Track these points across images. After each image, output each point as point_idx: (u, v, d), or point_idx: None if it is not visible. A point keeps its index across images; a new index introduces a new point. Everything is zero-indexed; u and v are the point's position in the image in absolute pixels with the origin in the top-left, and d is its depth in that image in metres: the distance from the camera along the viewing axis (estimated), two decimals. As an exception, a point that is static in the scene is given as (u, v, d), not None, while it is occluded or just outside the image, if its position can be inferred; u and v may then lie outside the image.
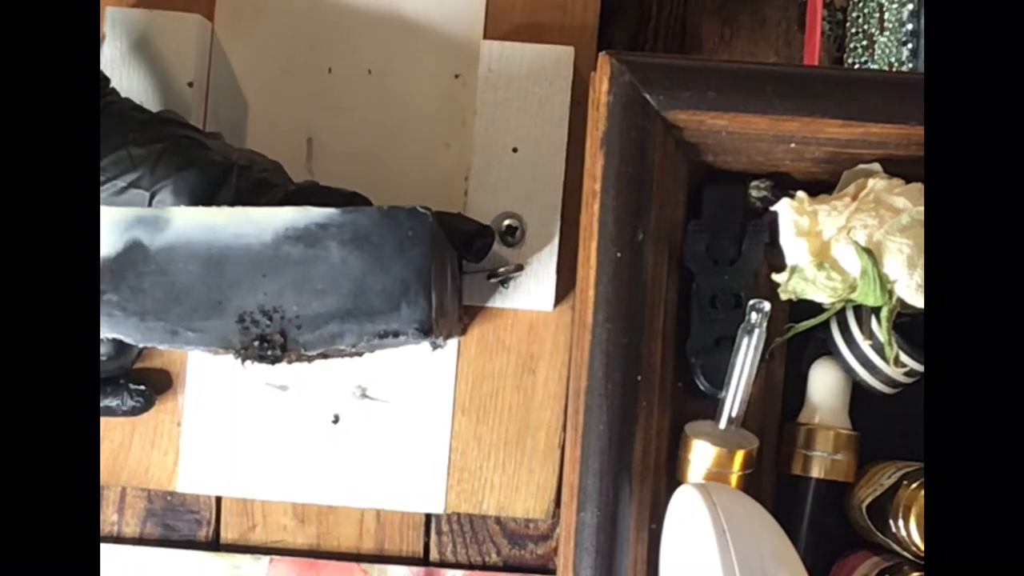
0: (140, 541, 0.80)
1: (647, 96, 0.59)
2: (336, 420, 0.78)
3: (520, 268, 0.75)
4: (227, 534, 0.80)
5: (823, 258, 0.62)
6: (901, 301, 0.62)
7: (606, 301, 0.59)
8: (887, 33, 0.71)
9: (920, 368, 0.64)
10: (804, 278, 0.62)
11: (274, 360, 0.60)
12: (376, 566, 0.79)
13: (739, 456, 0.63)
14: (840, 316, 0.66)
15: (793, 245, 0.63)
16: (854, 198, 0.62)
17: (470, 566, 0.80)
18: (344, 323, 0.59)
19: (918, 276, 0.60)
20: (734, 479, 0.63)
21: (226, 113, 0.79)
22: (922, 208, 0.61)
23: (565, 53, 0.76)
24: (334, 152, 0.79)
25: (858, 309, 0.64)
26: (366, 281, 0.59)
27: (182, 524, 0.80)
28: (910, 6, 0.69)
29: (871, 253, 0.61)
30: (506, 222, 0.76)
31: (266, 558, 0.79)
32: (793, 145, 0.62)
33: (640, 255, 0.59)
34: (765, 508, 0.58)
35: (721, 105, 0.59)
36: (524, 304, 0.77)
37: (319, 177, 0.79)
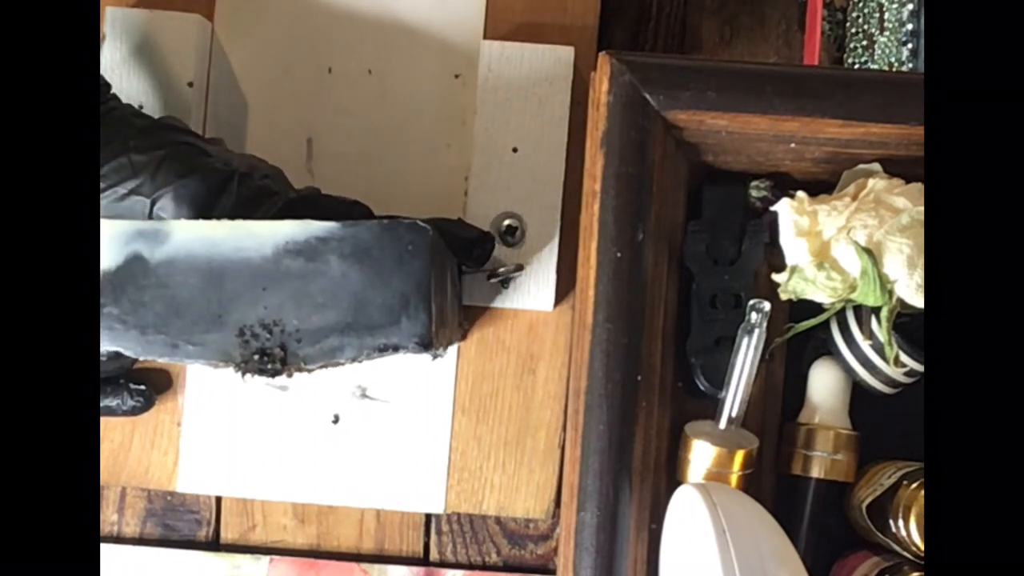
0: (140, 541, 0.80)
1: (647, 96, 0.59)
2: (336, 420, 0.78)
3: (520, 268, 0.75)
4: (227, 534, 0.80)
5: (823, 258, 0.62)
6: (901, 301, 0.62)
7: (606, 301, 0.59)
8: (887, 33, 0.71)
9: (920, 368, 0.64)
10: (804, 278, 0.62)
11: (274, 373, 0.60)
12: (376, 566, 0.79)
13: (739, 456, 0.63)
14: (840, 316, 0.66)
15: (793, 245, 0.63)
16: (854, 198, 0.62)
17: (470, 566, 0.80)
18: (344, 337, 0.59)
19: (918, 276, 0.60)
20: (734, 479, 0.63)
21: (226, 113, 0.79)
22: (922, 208, 0.61)
23: (565, 53, 0.76)
24: (334, 152, 0.79)
25: (858, 309, 0.64)
26: (366, 295, 0.59)
27: (182, 524, 0.80)
28: (910, 6, 0.69)
29: (871, 253, 0.61)
30: (506, 222, 0.76)
31: (266, 558, 0.79)
32: (793, 145, 0.62)
33: (640, 255, 0.59)
34: (765, 508, 0.59)
35: (721, 105, 0.59)
36: (524, 304, 0.77)
37: (319, 177, 0.79)
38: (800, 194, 0.63)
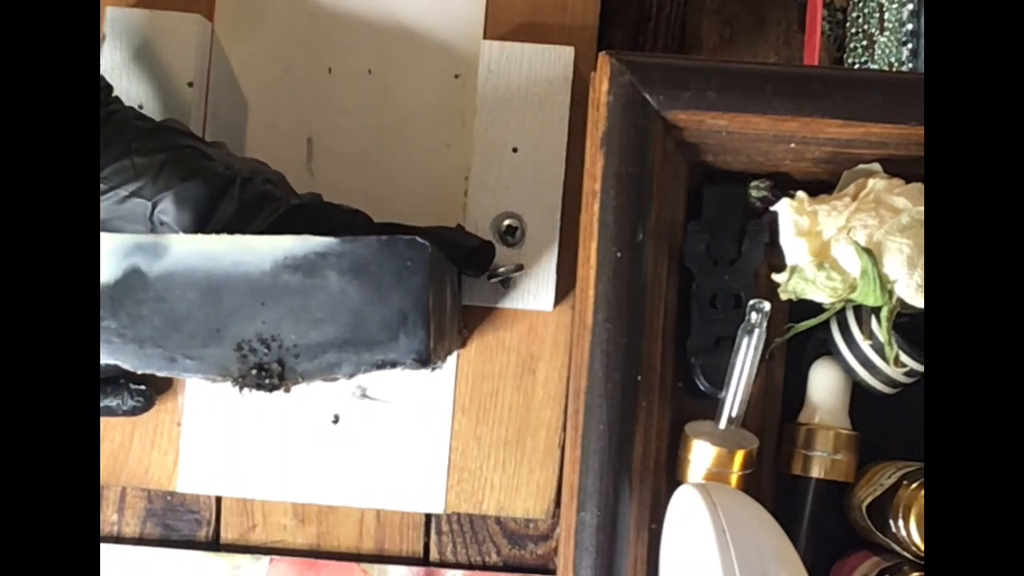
0: (140, 541, 0.80)
1: (647, 96, 0.59)
2: (336, 420, 0.78)
3: (520, 268, 0.75)
4: (227, 534, 0.80)
5: (823, 258, 0.62)
6: (901, 301, 0.62)
7: (606, 301, 0.59)
8: (887, 33, 0.71)
9: (920, 368, 0.64)
10: (804, 278, 0.62)
11: (271, 388, 0.60)
12: (376, 566, 0.79)
13: (739, 456, 0.63)
14: (840, 316, 0.66)
15: (793, 245, 0.63)
16: (854, 198, 0.62)
17: (470, 566, 0.80)
18: (342, 352, 0.60)
19: (918, 276, 0.60)
20: (734, 479, 0.63)
21: (226, 113, 0.79)
22: (922, 208, 0.61)
23: (565, 53, 0.76)
24: (334, 152, 0.79)
25: (858, 309, 0.64)
26: (364, 311, 0.59)
27: (182, 524, 0.80)
28: (910, 6, 0.69)
29: (871, 253, 0.61)
30: (506, 222, 0.76)
31: (266, 558, 0.79)
32: (793, 145, 0.62)
33: (640, 255, 0.59)
34: (765, 508, 0.58)
35: (721, 105, 0.59)
36: (524, 304, 0.77)
37: (319, 177, 0.79)
38: (800, 194, 0.63)
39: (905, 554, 0.63)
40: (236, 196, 0.65)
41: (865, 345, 0.64)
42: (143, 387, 0.75)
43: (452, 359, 0.77)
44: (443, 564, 0.80)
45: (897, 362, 0.63)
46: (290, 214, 0.67)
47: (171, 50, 0.75)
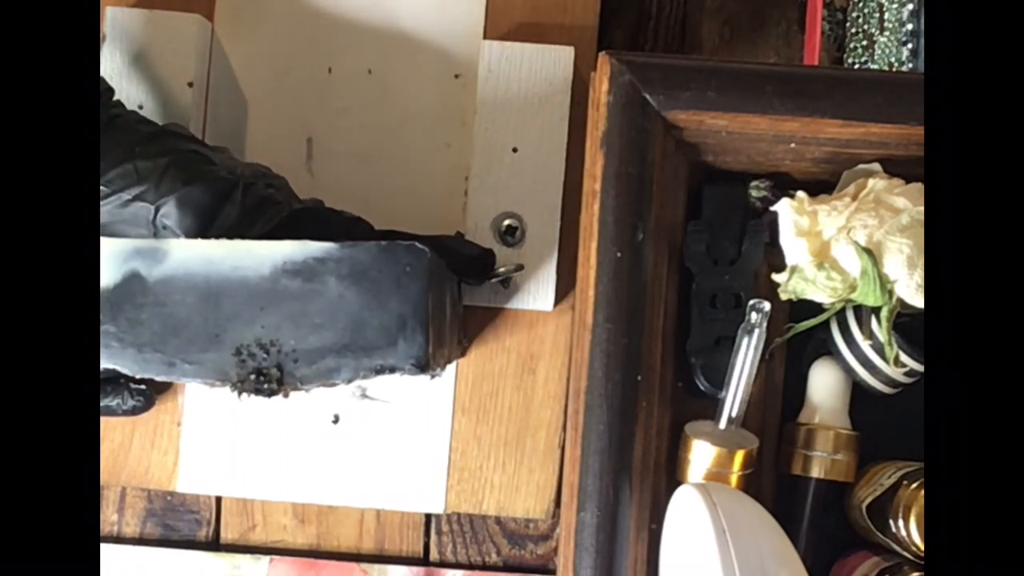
0: (140, 541, 0.80)
1: (647, 96, 0.59)
2: (336, 420, 0.78)
3: (520, 268, 0.75)
4: (227, 534, 0.80)
5: (823, 258, 0.62)
6: (901, 301, 0.62)
7: (606, 301, 0.59)
8: (887, 33, 0.71)
9: (920, 368, 0.64)
10: (804, 278, 0.62)
11: (270, 393, 0.60)
12: (376, 566, 0.79)
13: (739, 456, 0.63)
14: (840, 316, 0.66)
15: (793, 245, 0.63)
16: (854, 198, 0.62)
17: (470, 566, 0.80)
18: (341, 358, 0.60)
19: (918, 276, 0.60)
20: (734, 479, 0.63)
21: (226, 113, 0.79)
22: (922, 208, 0.61)
23: (565, 53, 0.76)
24: (334, 152, 0.79)
25: (858, 309, 0.64)
26: (363, 316, 0.60)
27: (182, 524, 0.80)
28: (910, 6, 0.69)
29: (871, 253, 0.61)
30: (506, 222, 0.76)
31: (266, 558, 0.79)
32: (793, 145, 0.62)
33: (640, 255, 0.59)
34: (765, 508, 0.59)
35: (721, 105, 0.59)
36: (524, 304, 0.77)
37: (319, 177, 0.79)
38: (800, 194, 0.63)
39: (905, 554, 0.63)
40: (239, 200, 0.65)
41: (865, 345, 0.64)
42: (143, 387, 0.75)
43: (452, 359, 0.77)
44: (443, 564, 0.80)
45: (897, 362, 0.63)
46: (292, 219, 0.67)
47: (171, 50, 0.75)
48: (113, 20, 0.75)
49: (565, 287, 0.77)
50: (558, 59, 0.76)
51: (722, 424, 0.64)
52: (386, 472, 0.78)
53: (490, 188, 0.76)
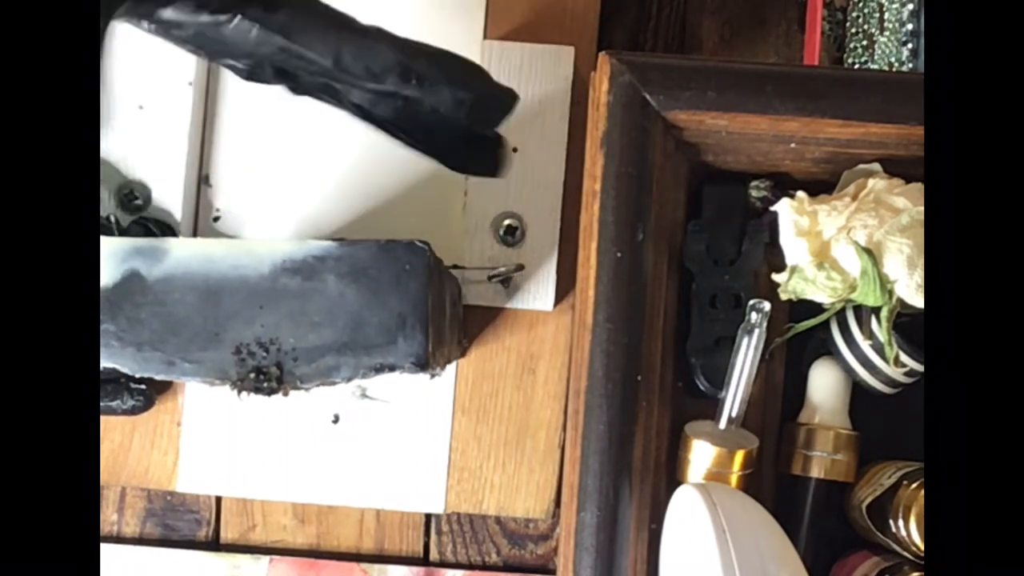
0: (140, 541, 0.80)
1: (647, 96, 0.59)
2: (336, 420, 0.78)
3: (520, 268, 0.75)
4: (227, 534, 0.80)
5: (823, 258, 0.62)
6: (901, 301, 0.62)
7: (606, 301, 0.59)
8: (887, 33, 0.71)
9: (920, 368, 0.64)
10: (804, 278, 0.62)
11: (270, 392, 0.60)
12: (376, 566, 0.79)
13: (739, 456, 0.63)
14: (840, 316, 0.66)
15: (793, 245, 0.63)
16: (854, 198, 0.62)
17: (470, 566, 0.80)
18: (340, 356, 0.60)
19: (918, 276, 0.60)
20: (734, 479, 0.63)
21: (226, 114, 0.79)
22: (922, 208, 0.61)
23: (565, 53, 0.76)
24: (334, 151, 0.79)
25: (858, 309, 0.64)
26: (363, 315, 0.60)
27: (182, 524, 0.80)
28: (910, 6, 0.69)
29: (871, 253, 0.61)
30: (506, 222, 0.76)
31: (266, 558, 0.79)
32: (793, 145, 0.62)
33: (640, 255, 0.59)
34: (765, 508, 0.59)
35: (721, 105, 0.59)
36: (524, 304, 0.77)
37: (319, 176, 0.79)
38: (800, 194, 0.63)
39: (905, 554, 0.63)
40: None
41: (865, 345, 0.64)
42: (143, 386, 0.75)
43: (452, 359, 0.77)
44: (443, 564, 0.80)
45: (897, 362, 0.63)
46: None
47: (171, 49, 0.75)
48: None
49: (565, 287, 0.77)
50: (558, 59, 0.76)
51: (722, 424, 0.64)
52: (386, 472, 0.78)
53: (490, 188, 0.76)
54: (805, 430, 0.66)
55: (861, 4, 0.75)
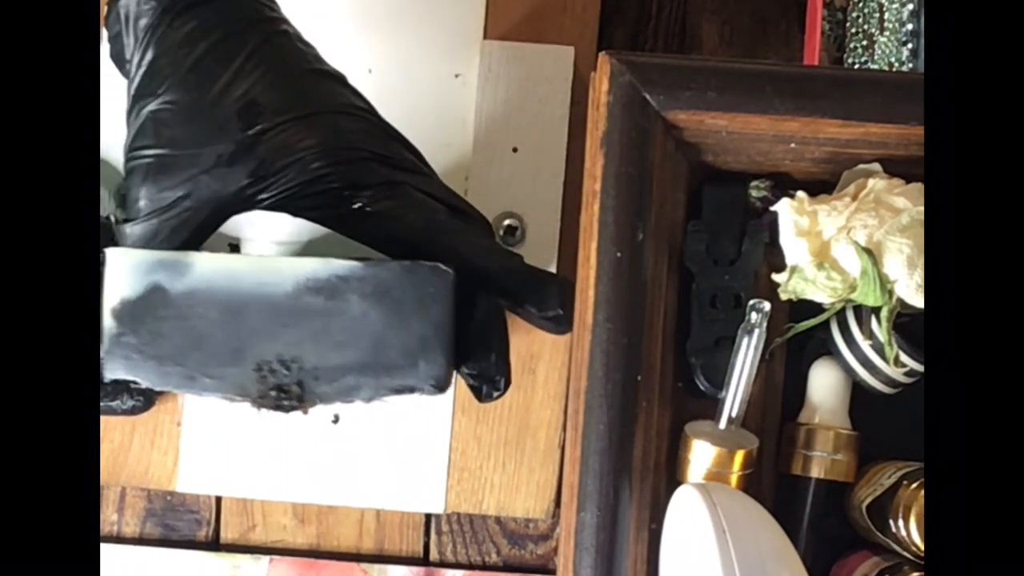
0: (140, 541, 0.80)
1: (647, 96, 0.59)
2: (336, 420, 0.78)
3: (520, 268, 0.75)
4: (227, 534, 0.80)
5: (823, 258, 0.62)
6: (901, 301, 0.62)
7: (606, 301, 0.59)
8: (887, 33, 0.71)
9: (920, 368, 0.64)
10: (804, 278, 0.62)
11: (290, 410, 0.60)
12: (376, 566, 0.79)
13: (739, 456, 0.63)
14: (840, 316, 0.66)
15: (793, 245, 0.63)
16: (854, 198, 0.62)
17: (470, 566, 0.80)
18: (362, 377, 0.59)
19: (918, 276, 0.60)
20: (734, 479, 0.63)
21: (226, 113, 0.79)
22: (922, 208, 0.61)
23: (565, 53, 0.76)
24: (334, 152, 0.79)
25: (858, 309, 0.64)
26: (385, 336, 0.59)
27: (182, 524, 0.80)
28: (910, 6, 0.69)
29: (871, 253, 0.61)
30: (506, 222, 0.76)
31: (266, 558, 0.79)
32: (793, 145, 0.62)
33: (640, 255, 0.59)
34: (765, 508, 0.59)
35: (721, 105, 0.59)
36: (524, 304, 0.77)
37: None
38: (800, 194, 0.63)
39: (905, 554, 0.63)
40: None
41: (865, 345, 0.64)
42: (143, 386, 0.75)
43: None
44: (443, 564, 0.80)
45: (897, 362, 0.63)
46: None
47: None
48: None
49: (565, 287, 0.77)
50: (558, 59, 0.76)
51: (722, 424, 0.64)
52: (386, 472, 0.78)
53: (490, 188, 0.76)
54: (805, 430, 0.66)
55: (861, 4, 0.75)
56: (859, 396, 0.67)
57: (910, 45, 0.69)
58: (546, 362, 0.78)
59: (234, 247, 0.76)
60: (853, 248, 0.61)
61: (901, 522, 0.61)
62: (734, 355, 0.63)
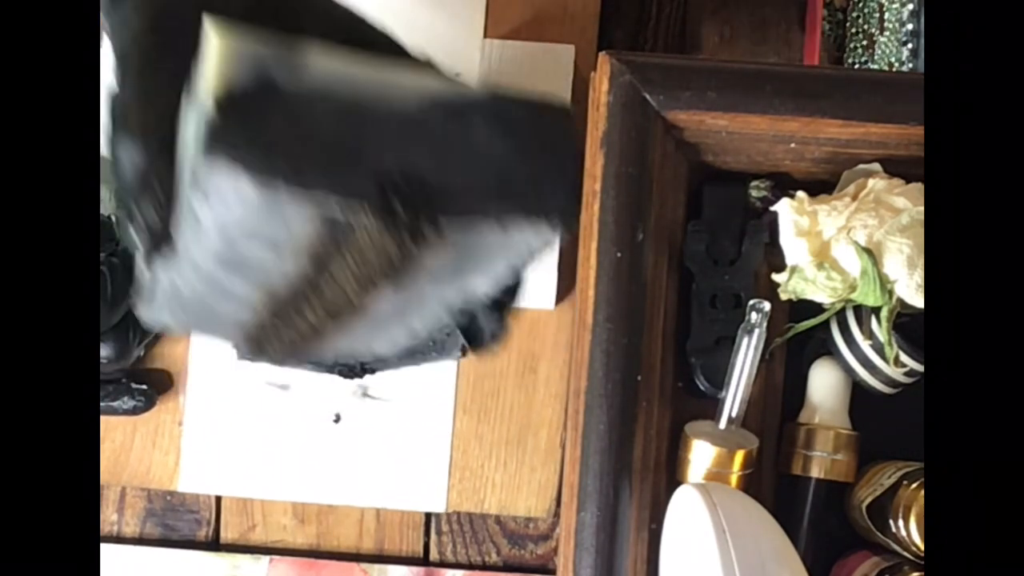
0: (140, 541, 0.80)
1: (647, 96, 0.59)
2: (337, 419, 0.78)
3: (521, 267, 0.75)
4: (227, 534, 0.80)
5: (823, 258, 0.62)
6: (901, 301, 0.62)
7: (606, 301, 0.59)
8: (887, 33, 0.71)
9: (920, 368, 0.64)
10: (804, 278, 0.62)
11: (411, 233, 0.52)
12: (376, 566, 0.79)
13: (739, 456, 0.63)
14: (840, 316, 0.66)
15: (793, 245, 0.63)
16: (854, 198, 0.62)
17: (470, 566, 0.80)
18: (486, 202, 0.53)
19: (918, 276, 0.60)
20: (734, 479, 0.63)
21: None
22: (922, 208, 0.61)
23: (565, 52, 0.76)
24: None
25: (858, 309, 0.65)
26: (511, 166, 0.54)
27: (182, 524, 0.80)
28: (910, 6, 0.69)
29: (871, 253, 0.61)
30: (507, 221, 0.76)
31: (266, 558, 0.79)
32: (793, 145, 0.62)
33: (640, 255, 0.59)
34: (765, 508, 0.59)
35: (721, 105, 0.59)
36: (525, 303, 0.77)
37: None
38: (800, 194, 0.63)
39: (905, 554, 0.63)
40: None
41: (865, 345, 0.64)
42: (144, 386, 0.75)
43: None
44: (443, 564, 0.80)
45: (897, 362, 0.63)
46: None
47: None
48: (113, 20, 0.75)
49: (566, 286, 0.77)
50: (558, 58, 0.76)
51: (722, 424, 0.64)
52: (387, 471, 0.78)
53: (490, 188, 0.76)
54: (805, 430, 0.66)
55: (861, 4, 0.75)
56: (859, 396, 0.67)
57: (910, 45, 0.69)
58: (547, 361, 0.78)
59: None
60: (853, 248, 0.61)
61: (901, 522, 0.61)
62: (734, 355, 0.63)
